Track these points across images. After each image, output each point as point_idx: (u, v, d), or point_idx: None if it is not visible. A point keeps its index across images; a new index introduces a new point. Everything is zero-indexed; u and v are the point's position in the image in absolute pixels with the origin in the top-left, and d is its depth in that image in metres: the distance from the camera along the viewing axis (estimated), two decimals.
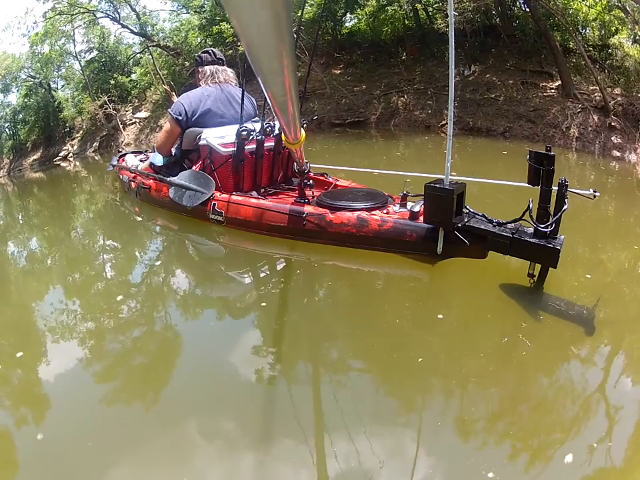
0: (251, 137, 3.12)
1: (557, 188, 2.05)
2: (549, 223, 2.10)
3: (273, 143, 3.35)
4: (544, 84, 8.35)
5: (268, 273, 2.75)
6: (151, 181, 3.84)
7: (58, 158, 13.93)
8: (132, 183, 4.19)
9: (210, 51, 3.63)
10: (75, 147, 14.42)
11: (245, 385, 1.72)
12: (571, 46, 8.50)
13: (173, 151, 3.69)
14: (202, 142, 3.24)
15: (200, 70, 3.57)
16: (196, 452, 1.37)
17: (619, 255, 2.83)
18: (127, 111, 14.72)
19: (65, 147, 14.50)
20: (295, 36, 9.46)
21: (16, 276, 3.26)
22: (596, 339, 1.87)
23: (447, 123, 8.57)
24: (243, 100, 3.18)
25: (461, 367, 1.75)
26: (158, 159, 3.84)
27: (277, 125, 3.16)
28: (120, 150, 5.79)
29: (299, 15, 9.89)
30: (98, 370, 1.88)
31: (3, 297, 2.84)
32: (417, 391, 1.67)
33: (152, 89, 14.62)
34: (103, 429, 1.50)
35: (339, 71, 11.98)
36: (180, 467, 1.33)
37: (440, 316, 2.07)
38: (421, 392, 1.67)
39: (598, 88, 7.08)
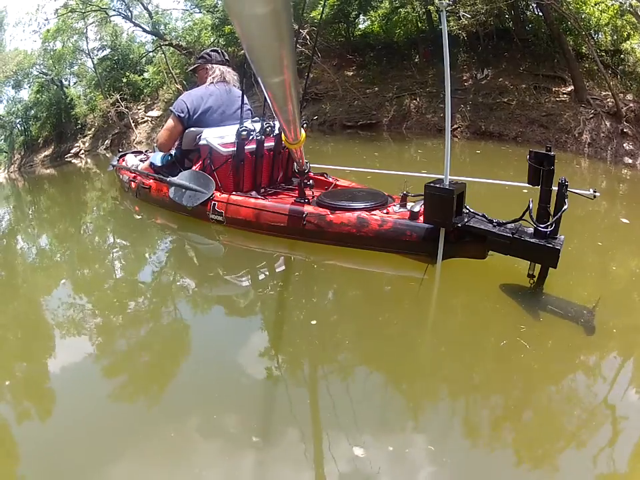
0: (251, 137, 3.11)
1: (557, 188, 2.03)
2: (548, 223, 2.08)
3: (273, 143, 3.33)
4: (556, 89, 8.27)
5: (267, 273, 2.74)
6: (151, 180, 3.83)
7: (69, 155, 14.08)
8: (132, 182, 4.18)
9: (219, 51, 3.63)
10: (87, 144, 14.58)
11: (245, 384, 1.71)
12: (583, 51, 8.40)
13: (173, 151, 3.68)
14: (202, 142, 3.23)
15: (209, 67, 3.56)
16: (196, 450, 1.36)
17: (624, 260, 2.78)
18: (139, 109, 14.86)
19: (76, 144, 14.67)
20: (308, 37, 9.44)
21: (23, 269, 3.28)
22: (596, 341, 1.85)
23: (459, 127, 8.60)
24: (243, 100, 3.18)
25: (461, 370, 1.73)
26: (158, 159, 3.83)
27: (277, 124, 3.14)
28: (120, 150, 5.80)
29: (311, 16, 9.99)
30: (99, 365, 1.88)
31: (8, 289, 2.85)
32: (416, 394, 1.65)
33: (164, 87, 14.78)
34: (105, 424, 1.50)
35: (352, 73, 11.99)
36: (180, 463, 1.32)
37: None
38: (420, 395, 1.65)
39: (610, 93, 7.01)
